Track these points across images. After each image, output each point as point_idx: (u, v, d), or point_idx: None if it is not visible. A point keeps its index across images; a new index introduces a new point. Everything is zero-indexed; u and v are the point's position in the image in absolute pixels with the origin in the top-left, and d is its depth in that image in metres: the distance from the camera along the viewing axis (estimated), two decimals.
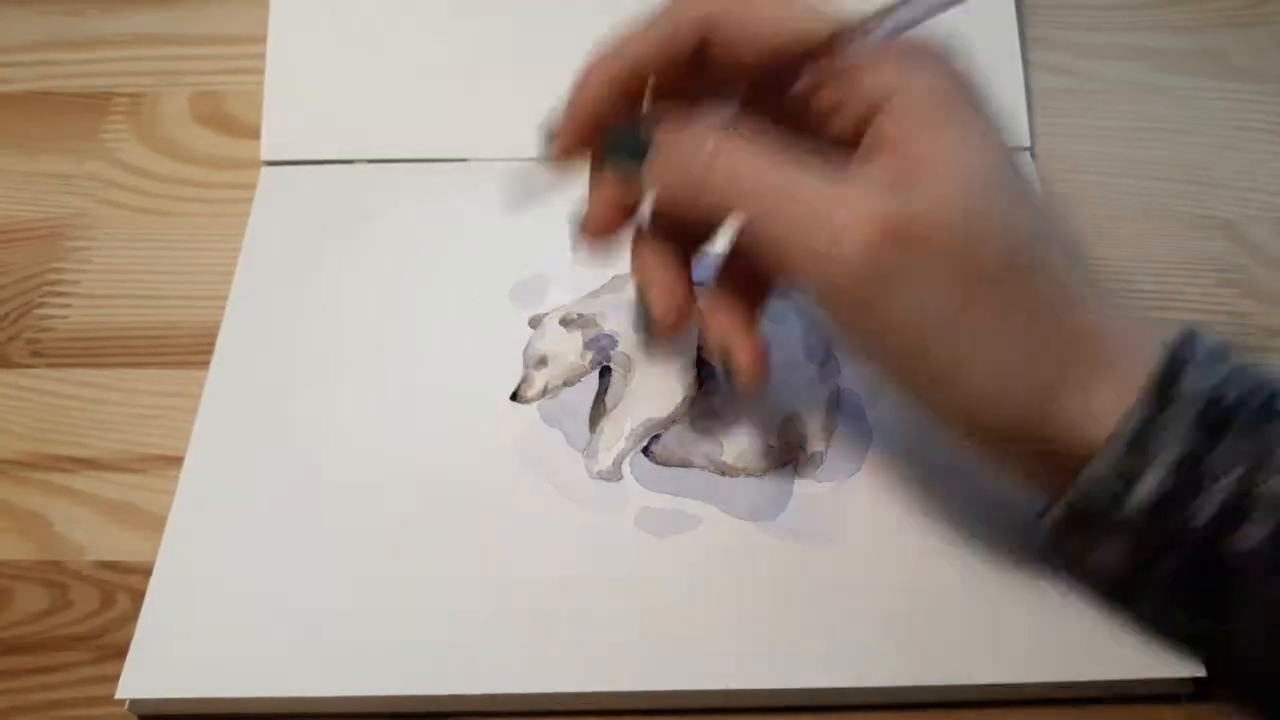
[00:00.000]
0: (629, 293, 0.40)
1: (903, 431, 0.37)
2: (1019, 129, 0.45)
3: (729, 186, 0.29)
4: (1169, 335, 0.29)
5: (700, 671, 0.32)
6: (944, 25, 0.47)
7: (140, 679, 0.32)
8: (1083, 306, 0.29)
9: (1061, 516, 0.30)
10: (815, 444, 0.37)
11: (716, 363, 0.33)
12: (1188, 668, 0.32)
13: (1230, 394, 0.28)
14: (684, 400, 0.37)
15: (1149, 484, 0.27)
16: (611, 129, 0.32)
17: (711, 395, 0.38)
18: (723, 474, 0.36)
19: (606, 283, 0.41)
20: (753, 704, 0.32)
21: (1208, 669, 0.32)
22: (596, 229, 0.33)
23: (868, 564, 0.34)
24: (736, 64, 0.31)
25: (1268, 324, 0.41)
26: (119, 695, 0.32)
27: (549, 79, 0.46)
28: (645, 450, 0.37)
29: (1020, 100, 0.46)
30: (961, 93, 0.29)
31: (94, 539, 0.36)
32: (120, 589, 0.35)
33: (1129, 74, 0.49)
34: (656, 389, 0.38)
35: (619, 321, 0.39)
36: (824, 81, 0.30)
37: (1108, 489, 0.28)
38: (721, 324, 0.33)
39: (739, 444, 0.37)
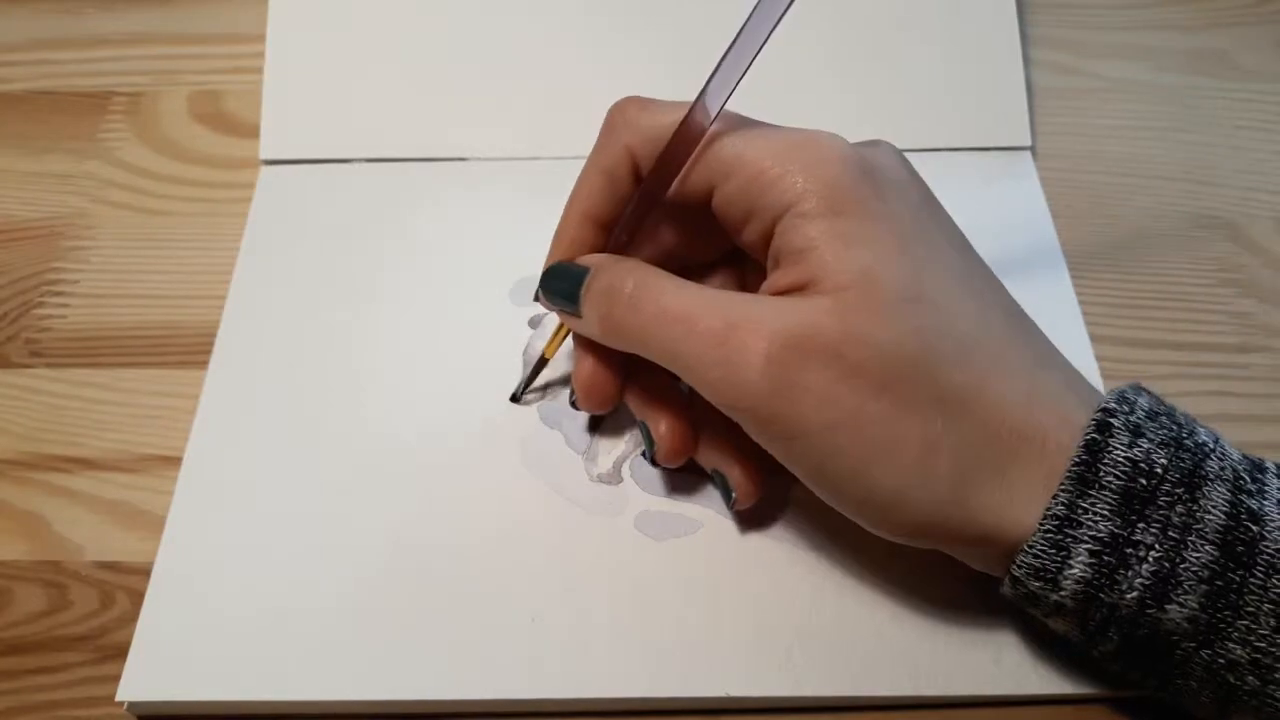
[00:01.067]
0: None
1: None
2: (1019, 128, 0.45)
3: (644, 330, 0.31)
4: (1098, 406, 0.29)
5: (699, 678, 0.32)
6: (944, 26, 0.47)
7: (140, 682, 0.32)
8: (994, 394, 0.29)
9: (1010, 596, 0.30)
10: None
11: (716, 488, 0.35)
12: None
13: (1156, 463, 0.28)
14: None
15: (1074, 573, 0.28)
16: (553, 265, 0.34)
17: None
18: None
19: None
20: (752, 709, 0.32)
21: None
22: (590, 399, 0.34)
23: (865, 571, 0.34)
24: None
25: (1268, 324, 0.41)
26: (119, 697, 0.32)
27: (549, 79, 0.46)
28: (645, 453, 0.37)
29: (1021, 100, 0.46)
30: (855, 181, 0.30)
31: (93, 539, 0.36)
32: (120, 589, 0.35)
33: (1129, 74, 0.49)
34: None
35: None
36: (730, 197, 0.31)
37: (1038, 579, 0.28)
38: (720, 453, 0.34)
39: None
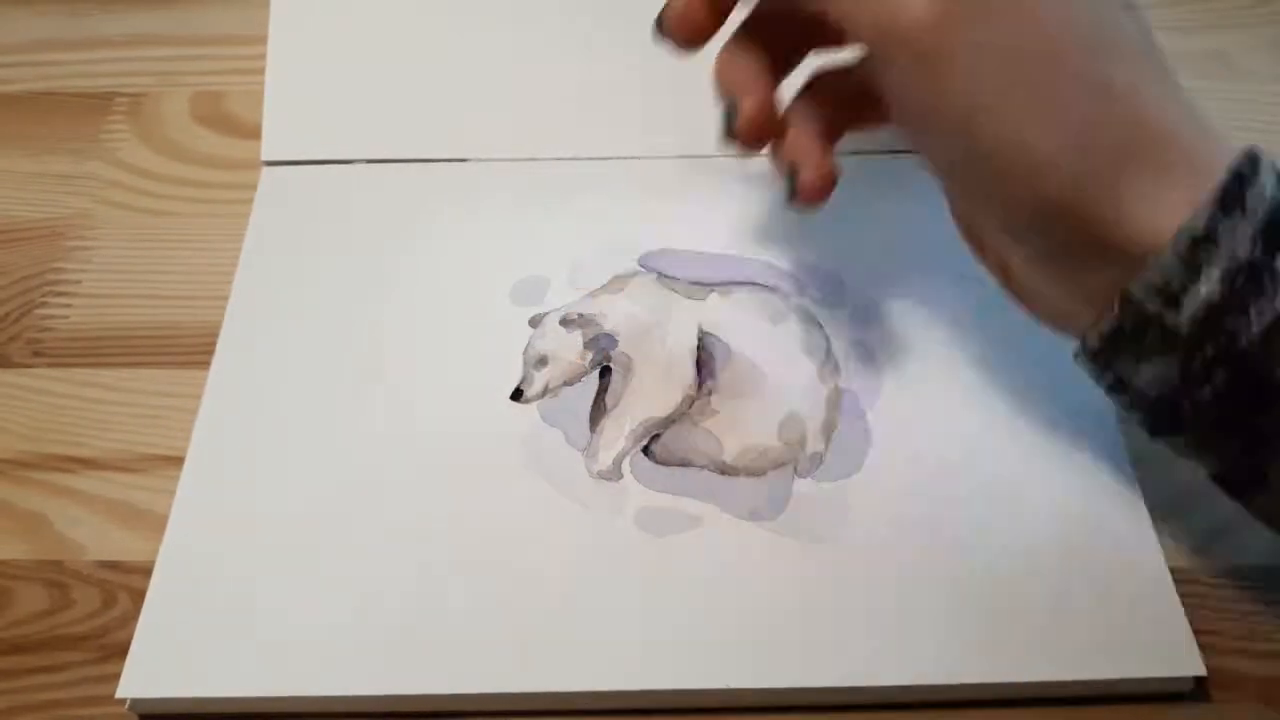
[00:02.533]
0: (628, 292, 0.40)
1: (903, 432, 0.37)
2: None
3: None
4: (1228, 146, 0.28)
5: (700, 671, 0.32)
6: None
7: (141, 679, 0.32)
8: (1151, 99, 0.28)
9: (1109, 331, 0.29)
10: (815, 444, 0.37)
11: (781, 176, 0.34)
12: (1188, 666, 0.32)
13: None
14: (684, 400, 0.38)
15: (1203, 291, 0.26)
16: None
17: (711, 394, 0.38)
18: (723, 473, 0.36)
19: (606, 283, 0.41)
20: (752, 703, 0.32)
21: (1208, 669, 0.32)
22: (679, 23, 0.33)
23: (867, 564, 0.34)
24: None
25: None
26: (119, 695, 0.32)
27: (549, 79, 0.46)
28: (645, 450, 0.37)
29: None
30: None
31: (94, 539, 0.36)
32: (121, 589, 0.35)
33: None
34: (656, 388, 0.38)
35: (619, 321, 0.39)
36: None
37: (1159, 296, 0.27)
38: (798, 138, 0.33)
39: (739, 443, 0.37)
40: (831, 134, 0.34)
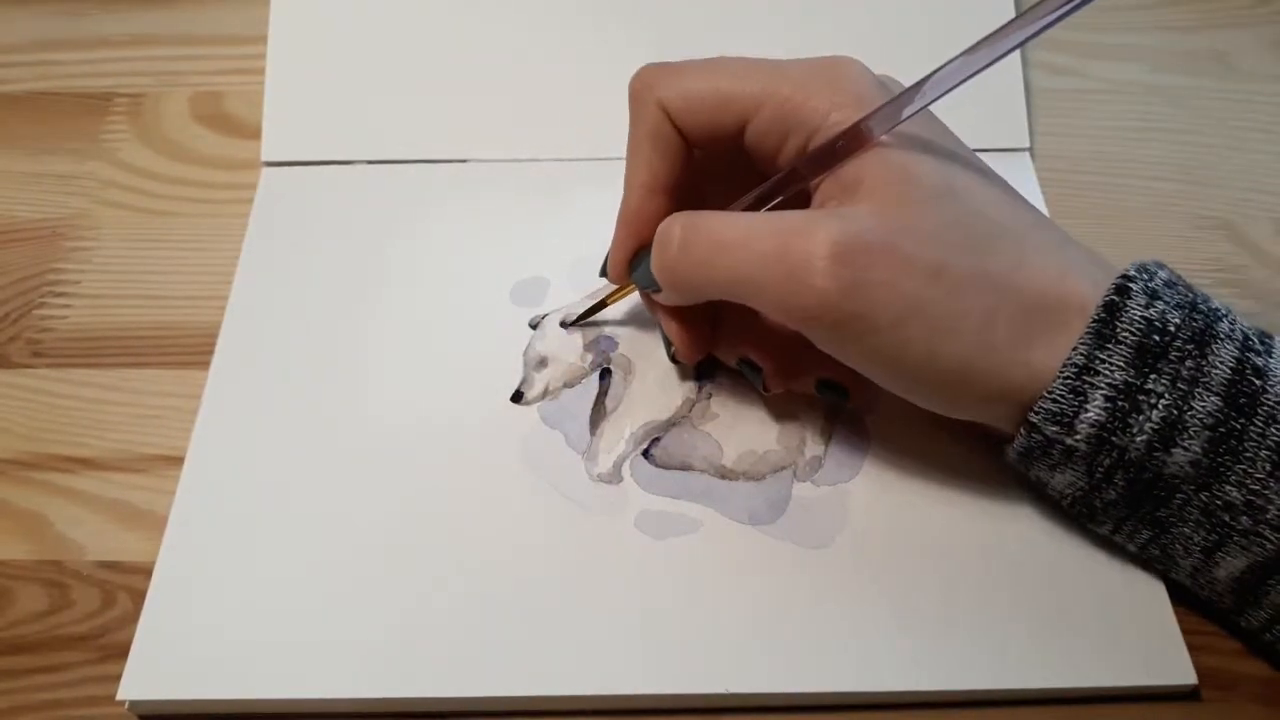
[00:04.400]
0: (630, 295, 0.40)
1: (900, 436, 0.37)
2: (1018, 129, 0.45)
3: (701, 266, 0.32)
4: (1118, 274, 0.31)
5: (699, 674, 0.32)
6: (943, 27, 0.48)
7: (141, 680, 0.32)
8: (1033, 268, 0.31)
9: (1022, 449, 0.32)
10: (814, 447, 0.37)
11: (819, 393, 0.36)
12: (1180, 675, 0.32)
13: (1170, 322, 0.30)
14: (684, 403, 0.38)
15: (1089, 415, 0.30)
16: (638, 259, 0.35)
17: (711, 398, 0.38)
18: (722, 477, 0.36)
19: (607, 284, 0.41)
20: (751, 706, 0.32)
21: (1206, 668, 0.32)
22: (690, 355, 0.36)
23: (866, 568, 0.34)
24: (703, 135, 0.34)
25: (1268, 324, 0.40)
26: (120, 696, 0.32)
27: (549, 79, 0.46)
28: (645, 453, 0.37)
29: (1019, 101, 0.46)
30: (878, 94, 0.32)
31: (94, 539, 0.36)
32: (121, 589, 0.35)
33: (1129, 74, 0.49)
34: (656, 392, 0.38)
35: (619, 322, 0.39)
36: (763, 128, 0.33)
37: (1056, 424, 0.31)
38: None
39: (738, 447, 0.37)
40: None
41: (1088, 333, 0.30)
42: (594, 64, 0.46)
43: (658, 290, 0.34)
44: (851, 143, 0.31)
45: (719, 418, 0.37)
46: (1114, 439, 0.30)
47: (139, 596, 0.34)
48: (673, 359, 0.38)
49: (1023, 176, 0.44)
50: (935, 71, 0.30)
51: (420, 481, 0.36)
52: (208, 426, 0.37)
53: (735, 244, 0.31)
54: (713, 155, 0.35)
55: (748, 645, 0.33)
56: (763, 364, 0.35)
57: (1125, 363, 0.30)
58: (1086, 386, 0.30)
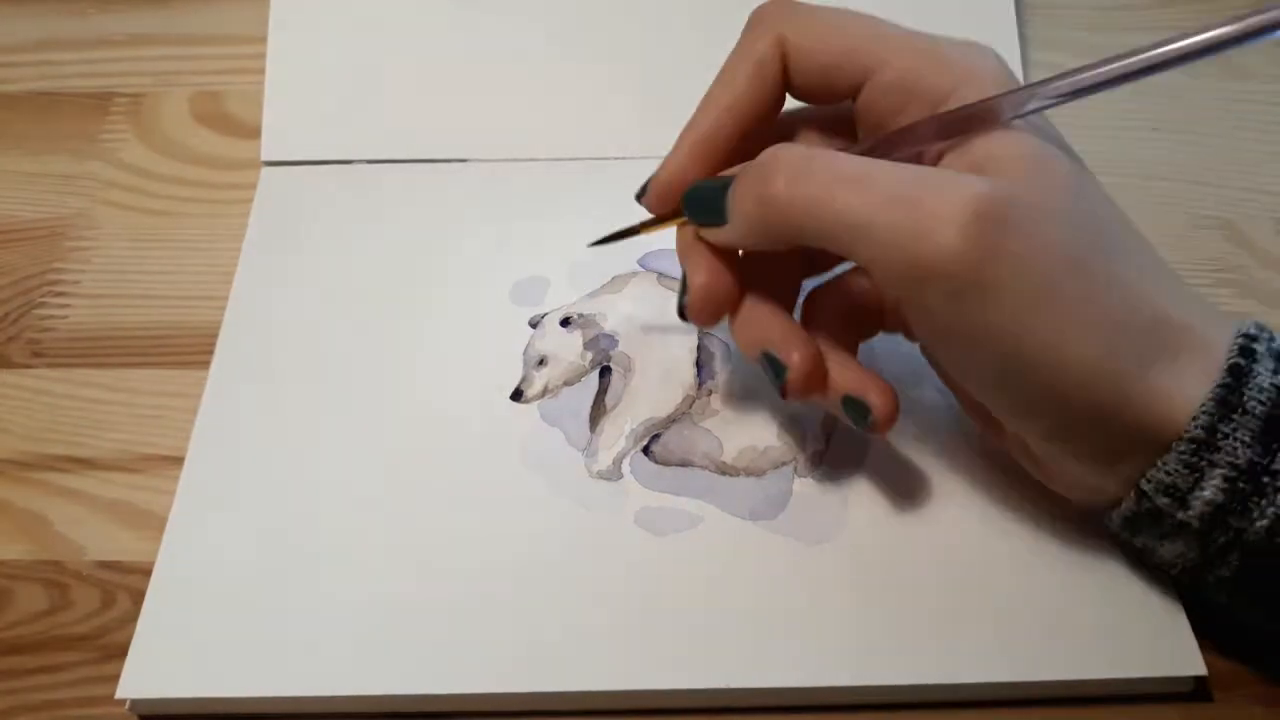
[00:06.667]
0: (629, 293, 0.40)
1: (902, 431, 0.37)
2: None
3: (814, 200, 0.29)
4: (1233, 329, 0.29)
5: (700, 670, 0.32)
6: (943, 28, 0.47)
7: (140, 679, 0.32)
8: (1160, 291, 0.29)
9: (1127, 516, 0.30)
10: (815, 443, 0.37)
11: (843, 413, 0.32)
12: (1188, 666, 0.32)
13: None
14: (684, 400, 0.38)
15: (1206, 494, 0.28)
16: (695, 184, 0.32)
17: (711, 394, 0.38)
18: (722, 473, 0.36)
19: (607, 283, 0.41)
20: (752, 703, 0.32)
21: (1208, 669, 0.32)
22: (705, 310, 0.33)
23: (867, 563, 0.34)
24: (820, 83, 0.32)
25: (1268, 324, 0.41)
26: (119, 695, 0.32)
27: (549, 79, 0.46)
28: (645, 449, 0.37)
29: None
30: (1010, 77, 0.31)
31: (94, 539, 0.36)
32: (120, 589, 0.35)
33: None
34: (656, 388, 0.38)
35: (619, 321, 0.39)
36: (885, 86, 0.31)
37: (1168, 495, 0.28)
38: (851, 375, 0.32)
39: (739, 443, 0.37)
40: (850, 351, 0.34)
41: (1211, 399, 0.27)
42: (594, 64, 0.46)
43: (718, 224, 0.31)
44: (981, 117, 0.29)
45: (719, 414, 0.37)
46: (1231, 520, 0.28)
47: (139, 596, 0.34)
48: (681, 314, 0.33)
49: None
50: (1070, 73, 0.29)
51: (420, 480, 0.36)
52: (207, 426, 0.37)
53: (859, 181, 0.28)
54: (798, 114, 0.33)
55: (748, 640, 0.33)
56: (788, 362, 0.31)
57: (1251, 439, 0.27)
58: (1205, 464, 0.28)
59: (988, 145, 0.29)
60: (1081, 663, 0.32)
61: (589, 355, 0.39)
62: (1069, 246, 0.28)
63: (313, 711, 0.32)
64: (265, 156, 0.45)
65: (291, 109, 0.46)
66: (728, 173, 0.32)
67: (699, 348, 0.39)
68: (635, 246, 0.41)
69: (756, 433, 0.37)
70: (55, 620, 0.34)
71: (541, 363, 0.38)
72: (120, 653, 0.33)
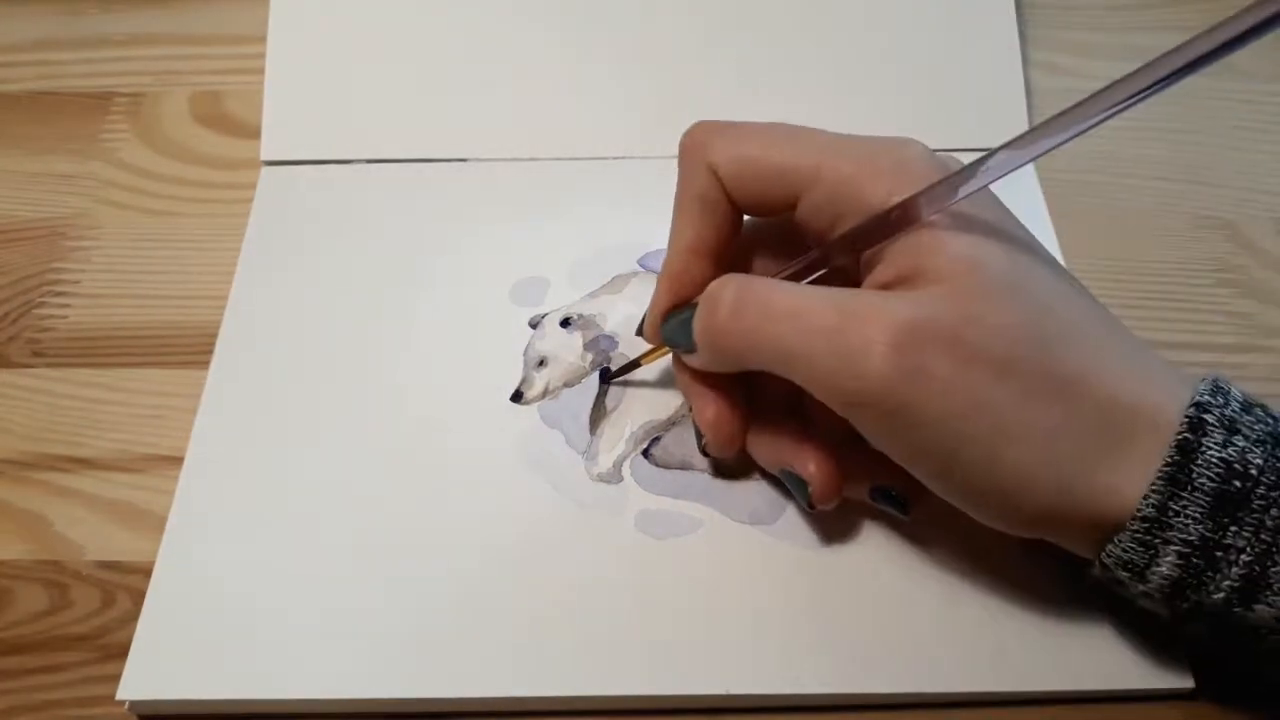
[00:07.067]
0: (629, 294, 0.40)
1: None
2: (1018, 129, 0.45)
3: (749, 333, 0.30)
4: (1188, 397, 0.29)
5: (699, 675, 0.32)
6: (943, 27, 0.47)
7: (141, 680, 0.32)
8: (1105, 373, 0.29)
9: (1096, 579, 0.30)
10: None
11: (874, 502, 0.34)
12: (1177, 679, 0.32)
13: (1252, 464, 0.28)
14: (684, 402, 0.37)
15: (1163, 569, 0.28)
16: (671, 313, 0.34)
17: None
18: (722, 477, 0.36)
19: (607, 283, 0.41)
20: (752, 707, 0.32)
21: (1197, 675, 0.32)
22: (721, 441, 0.34)
23: (867, 569, 0.34)
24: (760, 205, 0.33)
25: (1268, 324, 0.41)
26: (119, 696, 0.32)
27: (549, 79, 0.46)
28: (645, 452, 0.37)
29: (1020, 100, 0.46)
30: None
31: (94, 539, 0.36)
32: (120, 589, 0.35)
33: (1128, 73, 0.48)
34: (656, 391, 0.38)
35: (619, 322, 0.39)
36: (817, 204, 0.31)
37: (1127, 570, 0.29)
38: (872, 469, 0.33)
39: None
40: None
41: (1160, 477, 0.28)
42: (594, 64, 0.46)
43: (689, 350, 0.33)
44: (904, 217, 0.29)
45: None
46: (1189, 593, 0.28)
47: (138, 596, 0.34)
48: (703, 451, 0.35)
49: (1023, 176, 0.44)
50: (996, 150, 0.28)
51: (420, 481, 0.36)
52: (207, 426, 0.37)
53: (790, 314, 0.29)
54: (761, 223, 0.34)
55: (748, 646, 0.33)
56: (806, 475, 0.33)
57: (1201, 514, 0.27)
58: (1159, 542, 0.28)
59: (916, 255, 0.29)
60: (1072, 673, 0.32)
61: (589, 356, 0.39)
62: (999, 357, 0.28)
63: (312, 713, 0.33)
64: (265, 156, 0.45)
65: (291, 109, 0.46)
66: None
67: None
68: (635, 247, 0.42)
69: None
70: (55, 620, 0.34)
71: (541, 364, 0.38)
72: (120, 653, 0.33)
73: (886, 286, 0.30)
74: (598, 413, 0.38)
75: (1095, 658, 0.32)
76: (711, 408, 0.34)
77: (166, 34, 0.50)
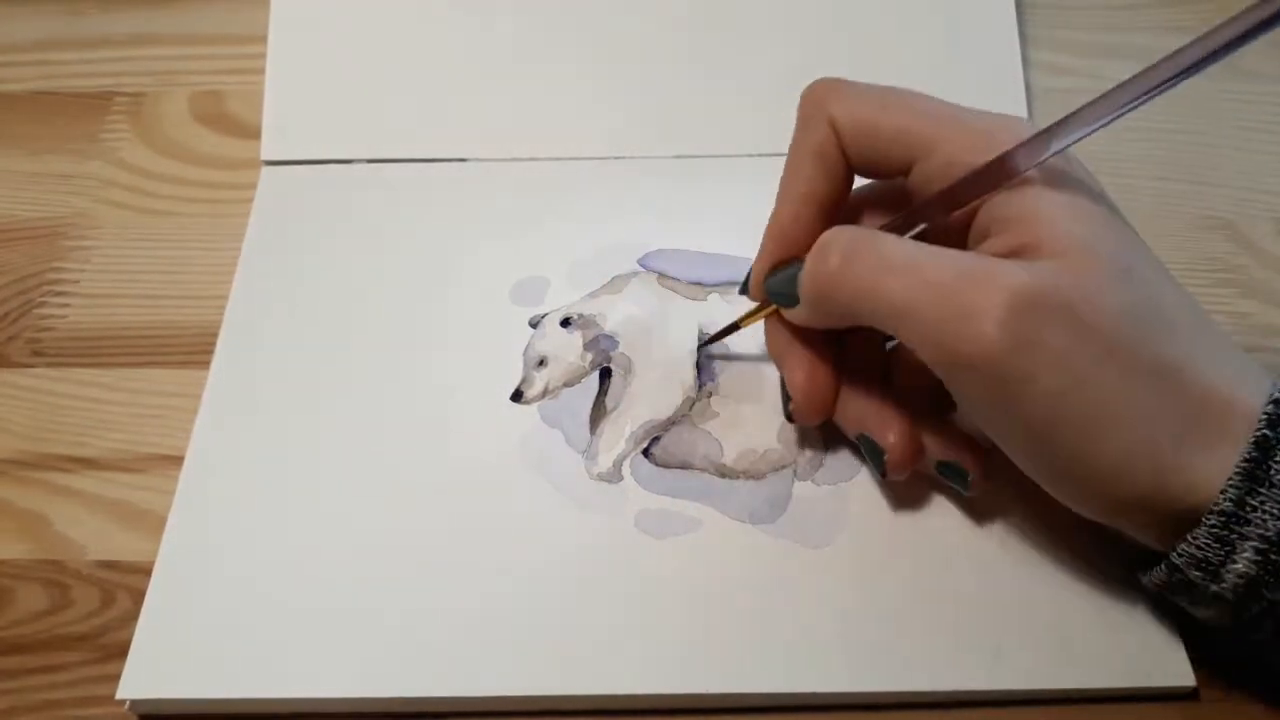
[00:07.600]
0: (628, 293, 0.40)
1: None
2: None
3: (862, 283, 0.30)
4: (1269, 397, 0.29)
5: (699, 674, 0.32)
6: (943, 27, 0.47)
7: (140, 679, 0.32)
8: (1202, 363, 0.29)
9: (1161, 581, 0.30)
10: (815, 446, 0.36)
11: (939, 475, 0.34)
12: (1179, 678, 0.32)
13: None
14: (684, 402, 0.37)
15: (1239, 567, 0.28)
16: (775, 269, 0.34)
17: (711, 396, 0.38)
18: (722, 476, 0.36)
19: (607, 283, 0.41)
20: (752, 707, 0.32)
21: (1198, 675, 0.32)
22: (810, 406, 0.34)
23: (866, 567, 0.34)
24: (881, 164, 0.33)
25: (1268, 324, 0.41)
26: (119, 695, 0.32)
27: (549, 79, 0.46)
28: (645, 452, 0.37)
29: (1020, 100, 0.46)
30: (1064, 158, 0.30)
31: (94, 539, 0.36)
32: (120, 589, 0.35)
33: (1129, 74, 0.48)
34: (656, 390, 0.38)
35: (619, 322, 0.39)
36: (931, 172, 0.31)
37: (1200, 569, 0.28)
38: (943, 441, 0.34)
39: (739, 446, 0.37)
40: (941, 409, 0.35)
41: (1237, 473, 0.27)
42: (594, 64, 0.46)
43: (792, 305, 0.32)
44: (1002, 171, 0.29)
45: (719, 416, 0.37)
46: (1264, 591, 0.28)
47: (139, 596, 0.34)
48: (789, 417, 0.35)
49: None
50: (1082, 108, 0.29)
51: (420, 481, 0.36)
52: (207, 426, 0.37)
53: (905, 268, 0.29)
54: (867, 188, 0.34)
55: (747, 645, 0.33)
56: (884, 444, 0.33)
57: (1277, 514, 0.27)
58: (1235, 537, 0.27)
59: (1033, 226, 0.29)
60: (1073, 672, 0.32)
61: (589, 356, 0.39)
62: (1109, 336, 0.28)
63: (312, 713, 0.33)
64: (265, 156, 0.45)
65: (291, 109, 0.46)
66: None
67: (699, 349, 0.39)
68: (635, 247, 0.42)
69: (756, 435, 0.37)
70: (55, 620, 0.34)
71: (541, 363, 0.38)
72: (120, 653, 0.33)
73: (1000, 257, 0.30)
74: (598, 412, 0.38)
75: (1096, 657, 0.32)
76: (802, 371, 0.34)
77: (167, 34, 0.50)
